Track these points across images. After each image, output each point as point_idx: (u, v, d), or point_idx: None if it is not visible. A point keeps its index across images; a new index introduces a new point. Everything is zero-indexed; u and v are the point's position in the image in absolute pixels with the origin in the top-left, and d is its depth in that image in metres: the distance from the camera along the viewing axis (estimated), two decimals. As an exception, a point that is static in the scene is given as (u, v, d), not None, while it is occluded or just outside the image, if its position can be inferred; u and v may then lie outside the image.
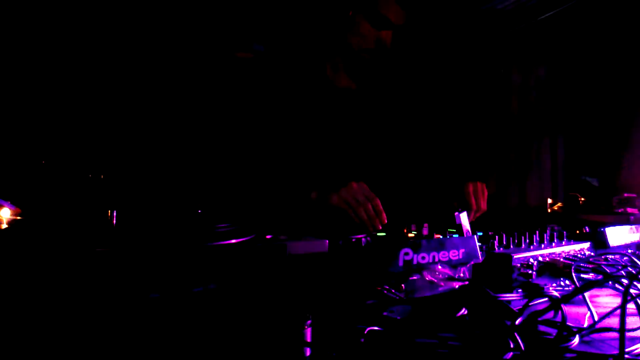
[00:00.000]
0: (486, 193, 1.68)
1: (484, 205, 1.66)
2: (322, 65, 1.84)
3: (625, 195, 1.92)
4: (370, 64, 1.78)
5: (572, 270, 0.98)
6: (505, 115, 3.09)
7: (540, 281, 1.02)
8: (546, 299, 0.90)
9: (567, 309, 0.80)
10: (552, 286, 1.02)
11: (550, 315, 0.85)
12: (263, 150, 1.68)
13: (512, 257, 0.96)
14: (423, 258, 0.93)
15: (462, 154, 2.17)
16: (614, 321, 0.78)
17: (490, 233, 1.21)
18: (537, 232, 1.22)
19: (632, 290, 0.92)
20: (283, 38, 1.91)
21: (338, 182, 1.48)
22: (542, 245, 1.17)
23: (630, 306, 0.77)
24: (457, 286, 0.94)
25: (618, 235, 1.38)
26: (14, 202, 1.18)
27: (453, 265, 0.99)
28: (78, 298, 0.60)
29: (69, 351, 0.57)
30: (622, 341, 0.60)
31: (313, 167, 1.73)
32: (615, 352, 0.67)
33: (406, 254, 0.91)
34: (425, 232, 1.25)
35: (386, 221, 1.42)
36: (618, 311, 0.66)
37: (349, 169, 1.80)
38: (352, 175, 1.52)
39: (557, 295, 0.89)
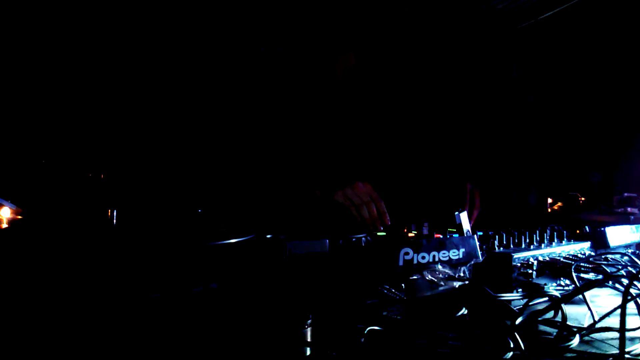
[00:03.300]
0: (477, 193, 1.69)
1: (477, 204, 1.67)
2: (328, 65, 1.83)
3: (626, 195, 1.92)
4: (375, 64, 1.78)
5: (572, 270, 0.98)
6: (506, 114, 3.08)
7: (540, 281, 1.02)
8: (546, 298, 0.90)
9: (567, 308, 0.80)
10: (552, 286, 1.02)
11: (550, 315, 0.85)
12: (265, 149, 1.68)
13: (512, 256, 0.96)
14: (423, 258, 0.93)
15: (462, 153, 2.16)
16: (614, 321, 0.78)
17: (490, 233, 1.21)
18: (537, 231, 1.21)
19: (632, 290, 0.92)
20: (289, 38, 1.90)
21: (343, 180, 1.48)
22: (542, 245, 1.17)
23: (631, 306, 0.77)
24: (457, 286, 0.94)
25: (618, 235, 1.38)
26: (14, 202, 1.18)
27: (453, 264, 0.99)
28: (78, 298, 0.60)
29: (69, 351, 0.57)
30: (622, 341, 0.60)
31: (318, 165, 1.73)
32: (616, 352, 0.67)
33: (406, 253, 0.91)
34: (425, 231, 1.25)
35: (389, 223, 1.42)
36: (618, 311, 0.66)
37: (352, 167, 1.80)
38: (354, 174, 1.52)
39: (557, 295, 0.89)
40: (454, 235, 1.15)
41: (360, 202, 1.42)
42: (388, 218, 1.43)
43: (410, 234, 1.27)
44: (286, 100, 1.75)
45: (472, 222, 1.56)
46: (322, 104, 1.82)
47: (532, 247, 1.13)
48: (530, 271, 0.99)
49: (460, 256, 1.00)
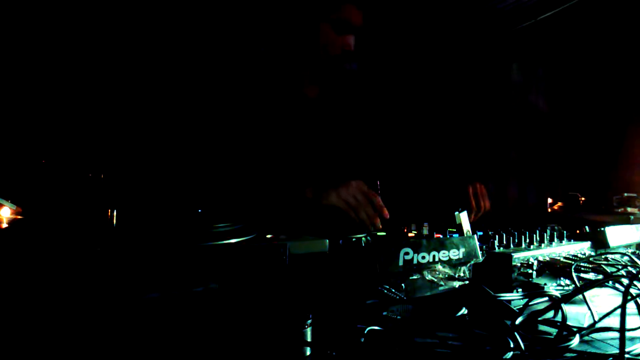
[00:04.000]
0: (485, 193, 1.70)
1: (487, 205, 1.68)
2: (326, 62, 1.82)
3: (626, 194, 1.92)
4: (350, 70, 1.76)
5: (572, 270, 0.98)
6: (505, 114, 3.09)
7: (540, 281, 1.02)
8: (546, 298, 0.90)
9: (567, 308, 0.80)
10: (552, 286, 1.02)
11: (550, 315, 0.85)
12: (262, 149, 1.68)
13: (512, 256, 0.96)
14: (423, 258, 0.93)
15: (462, 153, 2.16)
16: (614, 321, 0.78)
17: (490, 233, 1.21)
18: (537, 231, 1.21)
19: (632, 290, 0.92)
20: (274, 40, 1.90)
21: (337, 180, 1.47)
22: (542, 245, 1.17)
23: (631, 306, 0.77)
24: (457, 286, 0.94)
25: (618, 235, 1.38)
26: (14, 202, 1.18)
27: (453, 264, 0.99)
28: (78, 298, 0.60)
29: (69, 351, 0.57)
30: (622, 341, 0.60)
31: (311, 165, 1.73)
32: (616, 351, 0.67)
33: (406, 253, 0.91)
34: (425, 231, 1.25)
35: (388, 216, 1.41)
36: (618, 311, 0.66)
37: (349, 167, 1.80)
38: (352, 174, 1.52)
39: (557, 295, 0.89)
40: (454, 235, 1.15)
41: (357, 203, 1.41)
42: (386, 212, 1.42)
43: (410, 234, 1.27)
44: (281, 98, 1.75)
45: (472, 220, 1.56)
46: (321, 101, 1.82)
47: (532, 247, 1.13)
48: (530, 271, 0.99)
49: (460, 256, 1.00)
